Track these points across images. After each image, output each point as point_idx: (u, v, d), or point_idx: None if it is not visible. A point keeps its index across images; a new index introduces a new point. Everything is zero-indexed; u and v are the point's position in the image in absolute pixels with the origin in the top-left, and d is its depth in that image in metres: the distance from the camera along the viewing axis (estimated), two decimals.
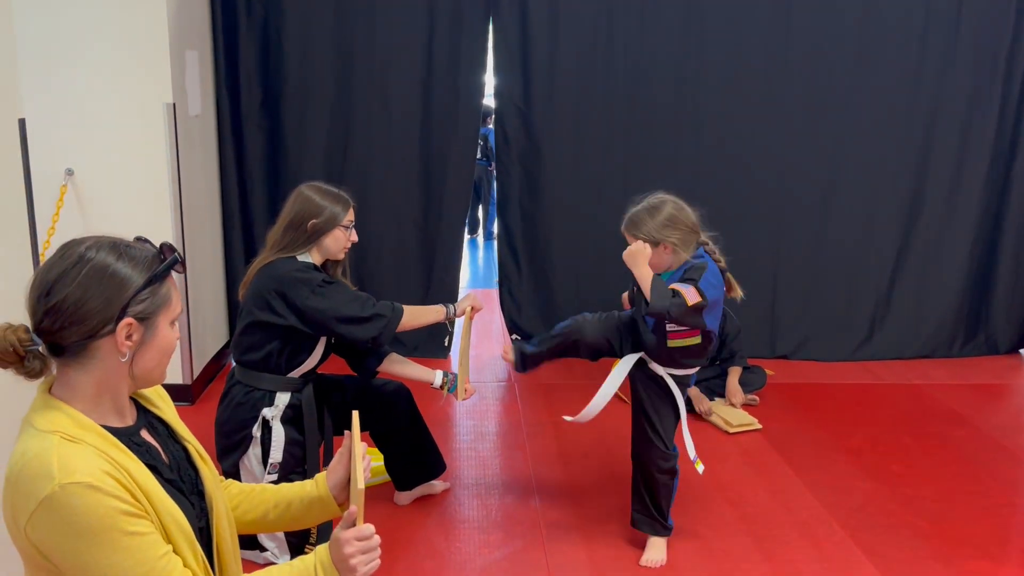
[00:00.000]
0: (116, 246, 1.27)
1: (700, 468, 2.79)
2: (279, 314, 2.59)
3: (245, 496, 1.54)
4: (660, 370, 2.66)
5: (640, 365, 2.72)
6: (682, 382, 2.71)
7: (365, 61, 4.41)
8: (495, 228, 5.50)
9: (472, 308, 2.87)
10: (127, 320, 1.24)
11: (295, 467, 2.66)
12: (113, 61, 3.57)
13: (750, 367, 4.16)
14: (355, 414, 1.54)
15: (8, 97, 2.33)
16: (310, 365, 2.74)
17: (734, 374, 4.05)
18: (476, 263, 7.84)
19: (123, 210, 3.65)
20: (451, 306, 2.84)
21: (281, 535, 2.66)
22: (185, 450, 1.40)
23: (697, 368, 2.74)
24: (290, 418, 2.66)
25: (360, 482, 1.34)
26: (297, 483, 1.55)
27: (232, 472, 2.68)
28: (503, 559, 2.76)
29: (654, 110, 4.56)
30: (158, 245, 1.33)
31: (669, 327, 2.58)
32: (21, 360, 1.21)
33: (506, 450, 3.59)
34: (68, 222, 3.57)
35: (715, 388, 4.07)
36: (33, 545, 1.18)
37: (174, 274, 1.33)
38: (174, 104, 3.66)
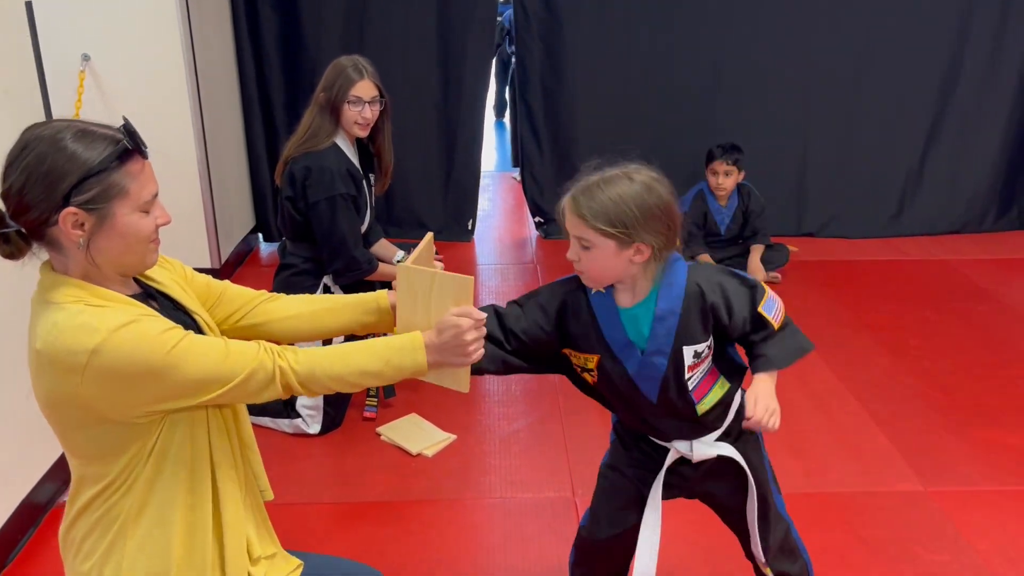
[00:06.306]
0: (72, 131, 1.21)
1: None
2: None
3: (269, 308, 1.56)
4: (701, 451, 1.66)
5: (672, 469, 1.70)
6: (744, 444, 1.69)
7: None
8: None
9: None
10: (70, 209, 1.19)
11: None
12: None
13: (772, 245, 4.14)
14: (429, 235, 1.64)
15: None
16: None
17: (756, 252, 4.04)
18: (505, 147, 7.73)
19: (142, 94, 3.64)
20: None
21: (321, 404, 2.75)
22: (195, 322, 1.41)
23: (736, 408, 1.67)
24: (346, 285, 2.74)
25: (466, 278, 1.42)
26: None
27: None
28: (522, 430, 2.86)
29: None
30: (125, 129, 1.25)
31: (690, 379, 1.58)
32: None
33: None
34: (91, 109, 3.58)
35: (736, 267, 4.06)
36: (84, 404, 1.21)
37: (141, 158, 1.25)
38: None
